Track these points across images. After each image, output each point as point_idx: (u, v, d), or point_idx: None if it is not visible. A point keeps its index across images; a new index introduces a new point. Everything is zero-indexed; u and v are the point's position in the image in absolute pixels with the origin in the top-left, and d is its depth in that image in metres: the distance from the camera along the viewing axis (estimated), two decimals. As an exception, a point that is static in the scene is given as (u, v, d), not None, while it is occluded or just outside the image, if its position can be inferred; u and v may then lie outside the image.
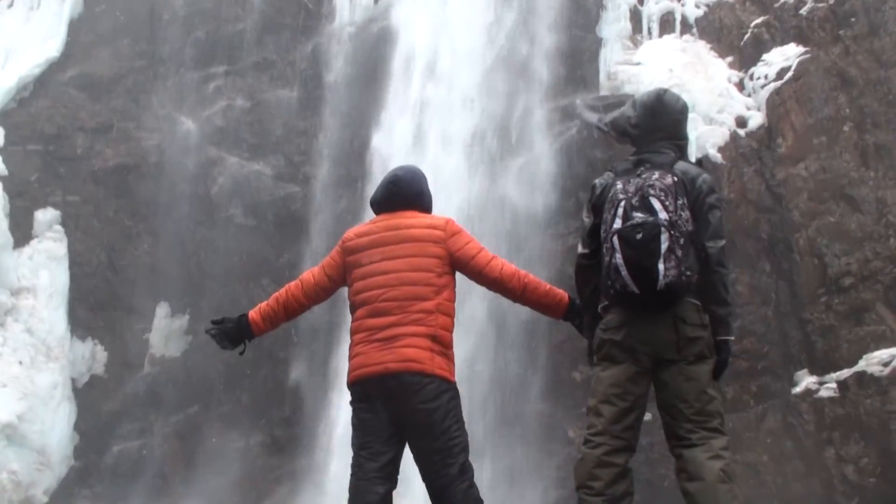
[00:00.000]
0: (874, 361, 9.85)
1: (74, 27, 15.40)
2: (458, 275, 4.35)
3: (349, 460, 4.20)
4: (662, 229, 3.67)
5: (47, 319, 13.37)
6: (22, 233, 13.83)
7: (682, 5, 13.22)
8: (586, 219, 4.10)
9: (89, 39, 15.34)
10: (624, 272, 3.71)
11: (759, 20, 12.61)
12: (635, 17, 13.28)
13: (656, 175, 3.83)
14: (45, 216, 14.08)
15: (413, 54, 13.28)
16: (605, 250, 3.83)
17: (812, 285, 10.63)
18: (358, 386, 4.18)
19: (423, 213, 4.38)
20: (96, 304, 13.88)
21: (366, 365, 4.12)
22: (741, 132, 11.70)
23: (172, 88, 14.75)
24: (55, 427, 12.80)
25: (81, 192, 14.27)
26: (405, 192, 4.37)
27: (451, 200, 11.06)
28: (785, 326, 10.68)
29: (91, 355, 13.65)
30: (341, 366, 10.23)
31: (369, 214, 4.53)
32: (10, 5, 15.73)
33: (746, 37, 12.62)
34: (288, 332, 12.07)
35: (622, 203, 3.80)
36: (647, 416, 4.06)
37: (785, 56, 11.91)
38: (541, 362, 11.30)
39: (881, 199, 10.70)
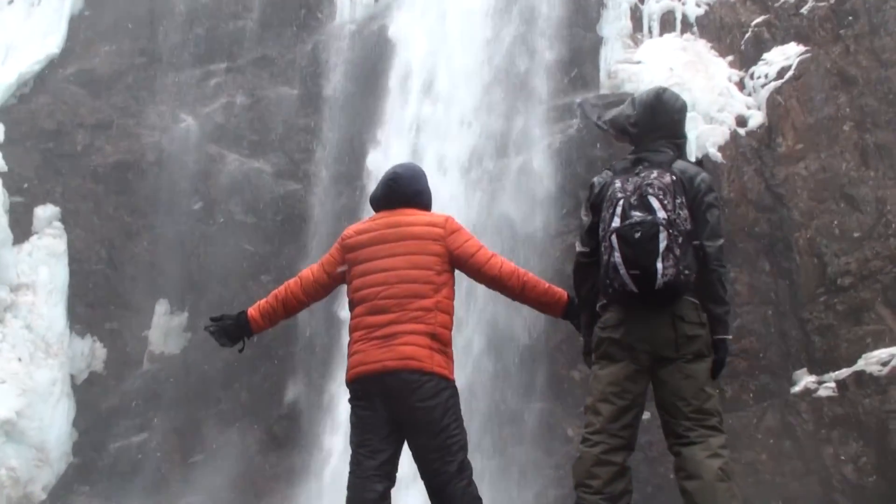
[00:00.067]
0: (873, 361, 9.85)
1: (75, 24, 15.39)
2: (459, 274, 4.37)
3: (348, 458, 4.21)
4: (661, 228, 3.68)
5: (46, 316, 13.35)
6: (21, 229, 13.82)
7: (683, 4, 13.21)
8: (585, 217, 4.10)
9: (90, 36, 15.33)
10: (622, 271, 3.72)
11: (759, 19, 12.60)
12: (636, 15, 13.26)
13: (655, 174, 3.84)
14: (45, 213, 14.07)
15: (410, 71, 13.11)
16: (603, 249, 3.83)
17: (811, 285, 10.63)
18: (357, 384, 4.18)
19: (422, 211, 4.38)
20: (96, 301, 13.87)
21: (365, 363, 4.12)
22: (741, 131, 11.69)
23: (173, 85, 14.74)
24: (54, 424, 12.80)
25: (81, 188, 14.26)
26: (405, 190, 4.38)
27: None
28: (784, 326, 10.68)
29: (90, 352, 13.64)
30: (340, 364, 10.25)
31: (369, 212, 4.53)
32: (11, 2, 15.71)
33: (747, 36, 12.61)
34: (288, 329, 12.06)
35: (621, 202, 3.80)
36: (646, 415, 4.06)
37: (785, 55, 11.90)
38: (540, 361, 11.30)
39: (881, 198, 10.70)
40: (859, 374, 9.84)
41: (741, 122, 11.80)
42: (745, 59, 12.45)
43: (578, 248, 4.14)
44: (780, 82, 11.62)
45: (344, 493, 4.13)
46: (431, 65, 13.07)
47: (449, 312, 4.22)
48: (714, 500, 3.58)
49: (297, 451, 12.02)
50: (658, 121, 4.08)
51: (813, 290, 10.61)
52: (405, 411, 4.08)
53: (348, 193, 12.84)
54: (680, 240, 3.71)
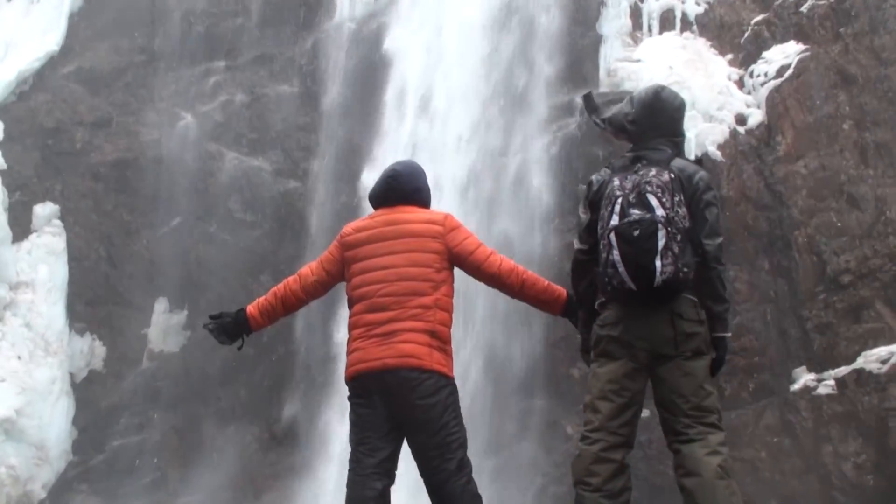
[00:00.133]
0: (872, 359, 9.85)
1: (74, 21, 15.39)
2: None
3: (347, 456, 4.21)
4: (659, 226, 3.69)
5: (46, 314, 13.36)
6: (21, 227, 13.82)
7: (683, 3, 13.20)
8: (583, 215, 4.11)
9: (89, 33, 15.33)
10: (621, 269, 3.72)
11: (759, 18, 12.60)
12: (635, 13, 13.26)
13: (653, 172, 3.84)
14: (44, 211, 14.07)
15: (406, 88, 12.98)
16: (602, 247, 3.84)
17: (811, 283, 10.63)
18: (356, 381, 4.18)
19: (421, 209, 4.38)
20: (95, 299, 13.87)
21: (364, 360, 4.12)
22: (741, 130, 11.69)
23: (172, 83, 14.74)
24: (53, 422, 12.81)
25: (80, 186, 14.26)
26: (403, 188, 4.37)
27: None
28: (783, 324, 10.68)
29: (90, 350, 13.64)
30: (340, 361, 10.25)
31: (368, 210, 4.53)
32: (10, -1, 15.73)
33: (746, 34, 12.60)
34: (287, 326, 12.07)
35: (619, 200, 3.81)
36: (646, 413, 4.07)
37: (785, 54, 11.89)
38: (539, 359, 11.30)
39: (880, 197, 10.70)
40: (859, 372, 9.84)
41: (741, 120, 11.80)
42: (745, 57, 12.44)
43: (577, 245, 4.15)
44: (779, 81, 11.61)
45: (343, 490, 4.13)
46: (428, 81, 12.93)
47: (448, 310, 4.22)
48: (713, 498, 3.58)
49: (297, 450, 12.03)
50: (656, 119, 4.08)
51: (812, 288, 10.61)
52: (405, 409, 4.08)
53: (347, 192, 12.84)
54: (678, 238, 3.71)
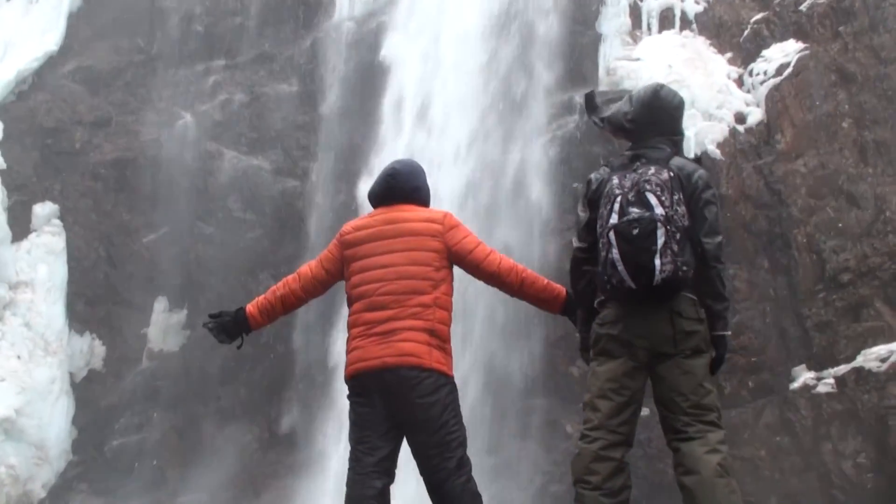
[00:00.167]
0: (872, 357, 9.85)
1: (73, 20, 15.38)
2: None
3: (347, 455, 4.21)
4: (659, 224, 3.68)
5: (45, 314, 13.36)
6: (20, 227, 13.83)
7: (682, 1, 13.20)
8: (582, 213, 4.10)
9: (88, 33, 15.33)
10: (620, 267, 3.72)
11: (758, 16, 12.60)
12: (635, 12, 13.25)
13: (652, 170, 3.84)
14: (44, 210, 14.07)
15: (403, 98, 12.87)
16: (601, 245, 3.83)
17: (810, 281, 10.64)
18: (355, 380, 4.18)
19: (420, 207, 4.38)
20: (94, 299, 13.87)
21: (363, 359, 4.12)
22: (740, 128, 11.69)
23: (171, 82, 14.74)
24: (53, 421, 12.81)
25: (80, 186, 14.26)
26: (403, 186, 4.37)
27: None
28: (783, 322, 10.69)
29: (89, 350, 13.64)
30: (339, 360, 10.24)
31: (368, 209, 4.53)
32: (9, -1, 15.72)
33: (746, 33, 12.60)
34: (286, 325, 12.07)
35: (618, 198, 3.80)
36: (645, 412, 4.07)
37: (784, 52, 11.89)
38: (538, 357, 11.30)
39: (880, 195, 10.70)
40: (858, 371, 9.84)
41: (740, 119, 11.80)
42: (744, 56, 12.44)
43: (575, 243, 4.14)
44: (778, 79, 11.61)
45: (343, 489, 4.13)
46: (425, 92, 12.82)
47: (447, 308, 4.22)
48: (713, 496, 3.58)
49: (296, 449, 12.03)
50: (655, 117, 4.08)
51: (812, 286, 10.61)
52: (404, 408, 4.08)
53: (347, 191, 12.84)
54: (678, 236, 3.71)
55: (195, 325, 12.82)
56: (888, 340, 9.96)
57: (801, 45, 11.79)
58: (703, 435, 3.70)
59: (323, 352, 12.02)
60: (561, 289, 4.33)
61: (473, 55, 12.89)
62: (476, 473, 4.15)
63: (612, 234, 3.76)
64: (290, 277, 4.44)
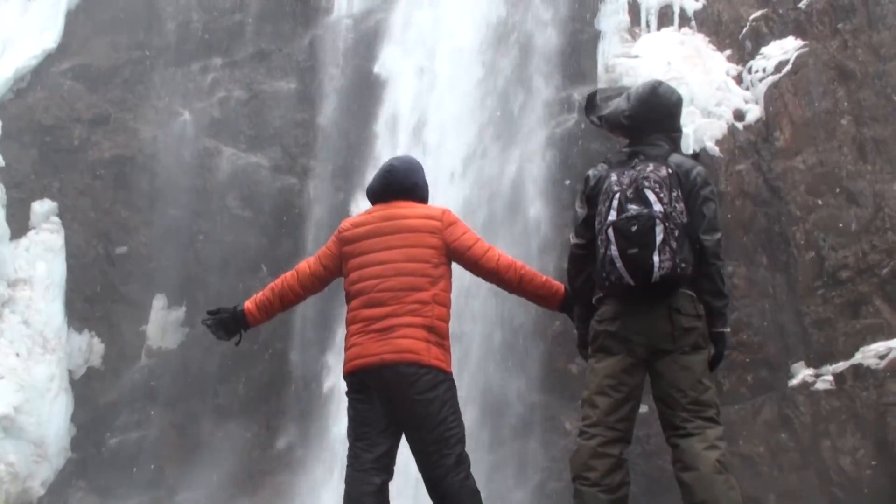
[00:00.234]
0: (871, 354, 9.85)
1: (71, 18, 15.36)
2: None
3: (346, 452, 4.21)
4: (657, 221, 3.69)
5: (44, 311, 13.36)
6: (19, 224, 13.82)
7: (681, -2, 13.21)
8: (580, 209, 4.10)
9: (86, 30, 15.31)
10: (619, 264, 3.72)
11: (757, 13, 12.59)
12: (633, 9, 13.23)
13: (651, 167, 3.84)
14: (42, 207, 14.06)
15: (398, 115, 12.72)
16: (599, 242, 3.84)
17: (809, 278, 10.64)
18: (354, 377, 4.19)
19: (419, 204, 4.38)
20: (93, 296, 13.86)
21: (362, 356, 4.12)
22: (739, 125, 11.68)
23: (170, 80, 14.72)
24: (52, 419, 12.81)
25: (78, 183, 14.25)
26: (401, 183, 4.37)
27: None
28: (782, 319, 10.69)
29: (88, 347, 13.63)
30: (338, 357, 10.24)
31: (367, 206, 4.53)
32: (7, -4, 15.70)
33: (745, 30, 12.59)
34: (285, 323, 12.07)
35: (617, 195, 3.81)
36: (644, 409, 4.07)
37: (783, 49, 11.88)
38: (537, 354, 11.31)
39: (879, 192, 10.70)
40: (857, 368, 9.85)
41: (739, 116, 11.79)
42: (743, 53, 12.43)
43: (573, 239, 4.14)
44: (777, 76, 11.61)
45: (342, 486, 4.14)
46: (421, 110, 12.66)
47: (446, 305, 4.22)
48: (711, 492, 3.59)
49: (295, 446, 12.03)
50: (653, 114, 4.08)
51: (810, 283, 10.61)
52: (403, 404, 4.08)
53: (346, 188, 12.83)
54: (676, 233, 3.71)
55: (194, 322, 12.82)
56: (887, 337, 9.96)
57: (800, 42, 11.78)
58: (701, 431, 3.71)
59: (321, 349, 12.02)
60: (559, 285, 4.34)
61: (470, 70, 12.71)
62: (474, 470, 4.16)
63: (610, 231, 3.76)
64: (288, 274, 4.44)
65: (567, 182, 11.71)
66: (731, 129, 11.63)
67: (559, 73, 12.79)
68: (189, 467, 12.26)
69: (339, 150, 13.32)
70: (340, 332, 4.19)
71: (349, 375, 4.20)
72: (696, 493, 3.61)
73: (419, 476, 4.17)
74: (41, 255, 13.69)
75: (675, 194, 3.79)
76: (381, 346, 4.07)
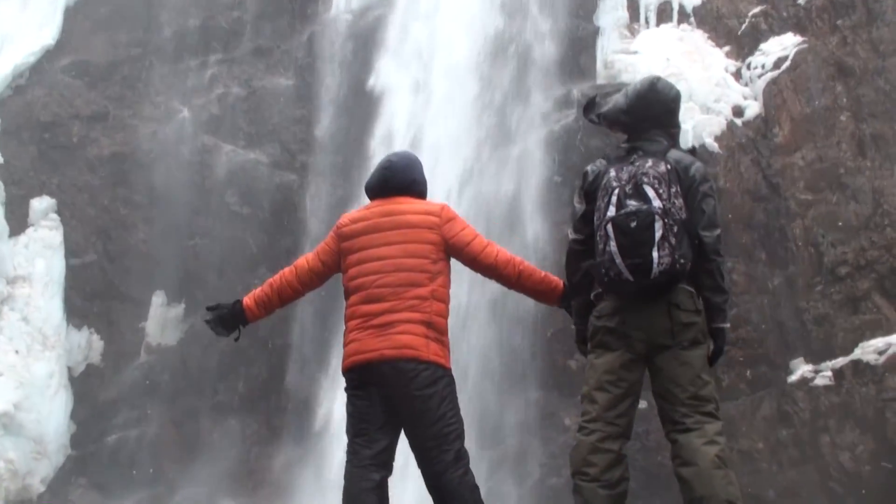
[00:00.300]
0: (870, 350, 9.86)
1: (70, 14, 15.33)
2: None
3: (345, 448, 4.21)
4: (657, 217, 3.69)
5: (43, 308, 13.35)
6: (17, 221, 13.81)
7: (680, -6, 13.20)
8: (578, 205, 4.10)
9: (85, 27, 15.28)
10: (618, 260, 3.72)
11: (756, 9, 12.58)
12: (633, 5, 13.22)
13: (650, 163, 3.84)
14: (41, 204, 14.04)
15: (393, 133, 12.55)
16: (598, 238, 3.83)
17: (808, 274, 10.64)
18: (353, 373, 4.18)
19: (418, 199, 4.38)
20: (92, 293, 13.86)
21: (361, 352, 4.12)
22: (738, 121, 11.68)
23: (168, 76, 14.71)
24: (51, 416, 12.80)
25: (77, 180, 14.24)
26: (399, 178, 4.37)
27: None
28: (781, 315, 10.69)
29: (87, 344, 13.63)
30: (337, 353, 10.25)
31: (365, 202, 4.52)
32: (6, -7, 15.67)
33: (744, 26, 12.59)
34: (284, 319, 12.07)
35: (616, 191, 3.81)
36: (643, 405, 4.07)
37: (782, 45, 11.87)
38: (536, 350, 11.30)
39: (877, 188, 10.70)
40: (856, 363, 9.85)
41: (738, 112, 11.79)
42: (742, 49, 12.43)
43: (571, 235, 4.14)
44: (776, 73, 11.60)
45: (341, 482, 4.14)
46: (416, 129, 12.47)
47: (444, 301, 4.22)
48: (710, 488, 3.58)
49: (295, 442, 12.03)
50: (651, 110, 4.07)
51: (810, 279, 10.62)
52: (402, 400, 4.08)
53: (344, 185, 12.82)
54: (675, 229, 3.71)
55: (193, 318, 12.82)
56: (886, 333, 9.97)
57: (799, 38, 11.78)
58: (700, 426, 3.71)
59: (321, 345, 12.01)
60: (558, 281, 4.34)
61: (466, 85, 12.52)
62: (473, 466, 4.16)
63: (609, 227, 3.76)
64: (286, 270, 4.45)
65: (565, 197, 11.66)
66: (730, 126, 11.62)
67: (558, 82, 12.70)
68: (188, 464, 12.25)
69: (339, 146, 13.30)
70: (340, 328, 4.18)
71: (348, 371, 4.20)
72: (695, 488, 3.61)
73: (418, 471, 4.17)
74: (40, 252, 13.68)
75: (674, 190, 3.79)
76: (381, 342, 4.07)
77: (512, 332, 11.31)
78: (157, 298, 13.55)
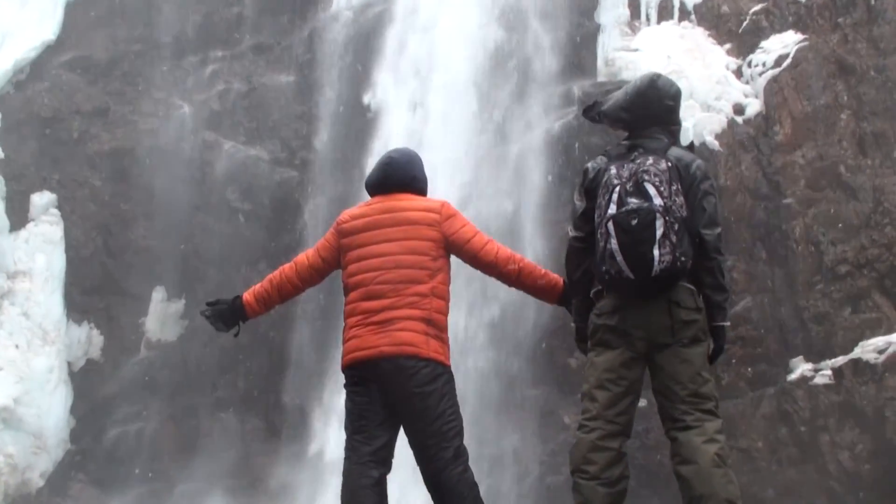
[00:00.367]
0: (869, 349, 9.86)
1: (71, 10, 15.31)
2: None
3: (344, 444, 4.21)
4: (657, 215, 3.68)
5: (43, 303, 13.35)
6: (18, 216, 13.81)
7: (681, -9, 13.18)
8: (578, 202, 4.08)
9: (86, 22, 15.26)
10: (619, 258, 3.71)
11: (757, 7, 12.57)
12: (634, 3, 13.21)
13: (650, 160, 3.83)
14: (42, 200, 14.04)
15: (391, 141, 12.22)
16: (599, 236, 3.82)
17: (808, 273, 10.64)
18: (352, 369, 4.18)
19: (418, 196, 4.37)
20: (92, 288, 13.86)
21: (360, 348, 4.12)
22: (738, 119, 11.67)
23: (169, 72, 14.70)
24: (51, 411, 12.81)
25: (78, 175, 14.23)
26: (400, 175, 4.36)
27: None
28: (781, 314, 10.69)
29: (87, 339, 13.63)
30: (337, 349, 10.24)
31: (365, 199, 4.51)
32: (6, -12, 15.65)
33: (745, 24, 12.58)
34: (284, 316, 12.06)
35: (616, 188, 3.79)
36: (643, 403, 4.07)
37: (783, 43, 11.87)
38: (536, 348, 11.30)
39: (878, 187, 10.70)
40: (856, 362, 9.85)
41: (738, 110, 11.78)
42: (743, 47, 12.42)
43: (571, 232, 4.12)
44: (777, 70, 11.59)
45: (340, 479, 4.13)
46: (414, 146, 12.25)
47: (444, 298, 4.21)
48: (710, 486, 3.58)
49: (294, 438, 12.03)
50: (652, 107, 4.06)
51: (810, 278, 10.61)
52: (401, 397, 4.07)
53: (345, 181, 12.81)
54: (676, 227, 3.70)
55: (193, 314, 12.82)
56: (886, 332, 9.97)
57: (800, 36, 11.77)
58: (700, 424, 3.70)
59: (320, 342, 12.01)
60: (558, 279, 4.33)
61: (463, 105, 12.37)
62: (473, 463, 4.15)
63: (610, 225, 3.74)
64: (286, 266, 4.44)
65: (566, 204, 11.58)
66: (731, 124, 11.62)
67: (559, 97, 12.62)
68: (187, 460, 12.26)
69: (338, 142, 13.28)
70: (340, 325, 4.17)
71: (347, 368, 4.19)
72: (694, 486, 3.61)
73: (417, 468, 4.16)
74: (40, 247, 13.68)
75: (674, 188, 3.78)
76: (380, 339, 4.06)
77: (513, 332, 11.31)
78: (157, 294, 13.56)
